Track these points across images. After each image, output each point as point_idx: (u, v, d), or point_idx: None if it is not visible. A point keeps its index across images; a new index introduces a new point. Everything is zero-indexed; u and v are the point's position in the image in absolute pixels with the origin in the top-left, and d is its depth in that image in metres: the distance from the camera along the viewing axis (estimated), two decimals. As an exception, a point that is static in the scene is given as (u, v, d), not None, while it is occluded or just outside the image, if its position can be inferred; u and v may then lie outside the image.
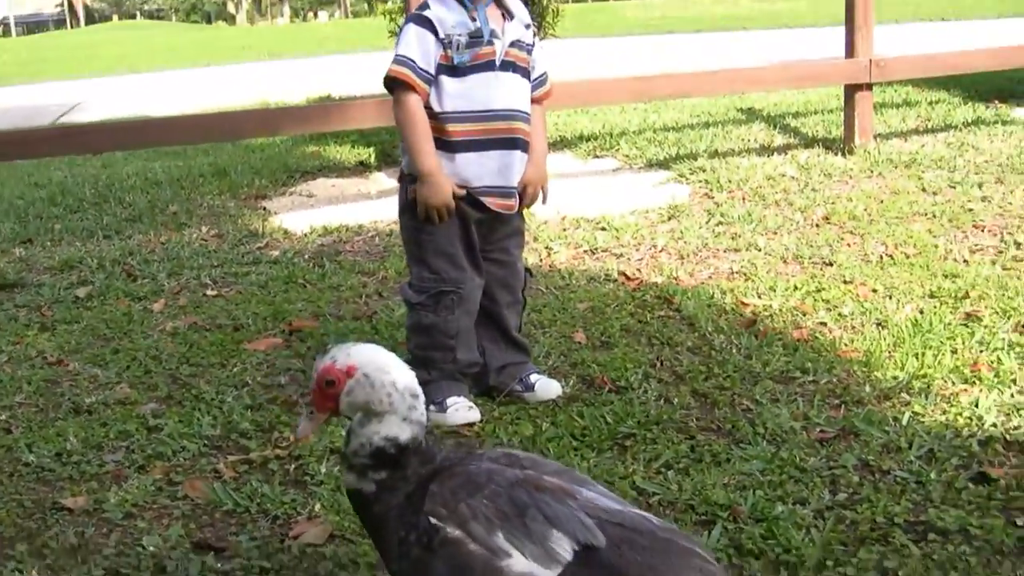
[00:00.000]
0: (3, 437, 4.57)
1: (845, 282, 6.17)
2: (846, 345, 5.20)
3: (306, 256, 7.35)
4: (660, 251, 7.00)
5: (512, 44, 4.62)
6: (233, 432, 4.50)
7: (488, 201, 4.59)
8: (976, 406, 4.41)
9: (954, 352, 4.98)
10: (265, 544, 3.63)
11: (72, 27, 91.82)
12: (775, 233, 7.23)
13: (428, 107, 4.54)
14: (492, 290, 4.76)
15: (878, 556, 3.40)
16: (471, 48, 4.53)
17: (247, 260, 7.33)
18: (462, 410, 4.54)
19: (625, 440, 4.30)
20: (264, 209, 9.02)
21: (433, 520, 2.66)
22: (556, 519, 2.64)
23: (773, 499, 3.77)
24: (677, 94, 10.28)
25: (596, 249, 7.12)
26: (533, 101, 4.75)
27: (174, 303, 6.44)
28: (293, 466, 4.19)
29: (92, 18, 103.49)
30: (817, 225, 7.38)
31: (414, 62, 4.50)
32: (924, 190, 8.08)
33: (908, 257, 6.51)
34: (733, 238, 7.13)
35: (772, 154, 9.50)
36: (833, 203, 7.83)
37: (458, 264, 4.61)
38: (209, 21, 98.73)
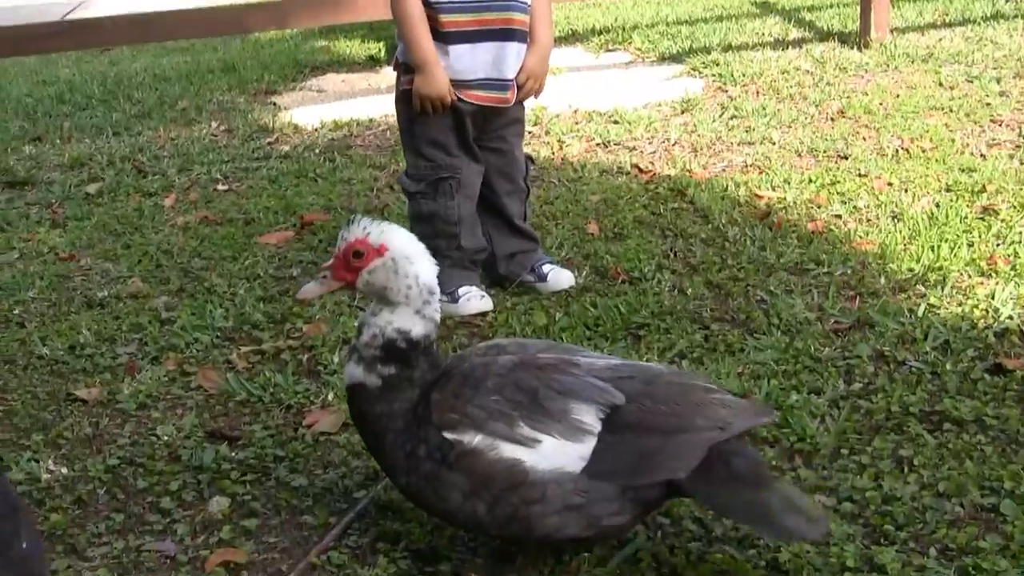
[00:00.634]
0: (17, 331, 4.58)
1: (860, 175, 6.11)
2: (861, 237, 5.16)
3: (317, 150, 7.29)
4: (673, 144, 6.93)
5: None
6: (245, 324, 4.49)
7: (481, 95, 4.52)
8: (992, 298, 4.38)
9: (970, 245, 4.94)
10: (279, 433, 3.63)
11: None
12: (789, 127, 7.15)
13: None
14: (491, 179, 4.72)
15: (893, 445, 3.40)
16: None
17: (257, 155, 7.28)
18: (474, 299, 4.53)
19: (639, 330, 4.28)
20: (274, 104, 8.94)
21: (448, 435, 2.65)
22: (570, 391, 2.63)
23: (787, 388, 3.76)
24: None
25: (609, 142, 7.05)
26: None
27: (185, 198, 6.41)
28: (306, 356, 4.19)
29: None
30: (832, 119, 7.29)
31: None
32: (941, 84, 7.97)
33: (924, 151, 6.44)
34: (747, 131, 7.05)
35: (787, 48, 9.36)
36: (848, 97, 7.73)
37: (451, 152, 4.57)
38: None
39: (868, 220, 5.40)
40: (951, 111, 7.25)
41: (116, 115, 8.75)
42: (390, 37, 10.41)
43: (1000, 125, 6.90)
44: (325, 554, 2.96)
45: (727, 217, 5.47)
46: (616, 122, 7.48)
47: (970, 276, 4.63)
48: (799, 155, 6.56)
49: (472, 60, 4.47)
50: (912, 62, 8.64)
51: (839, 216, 5.47)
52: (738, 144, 6.85)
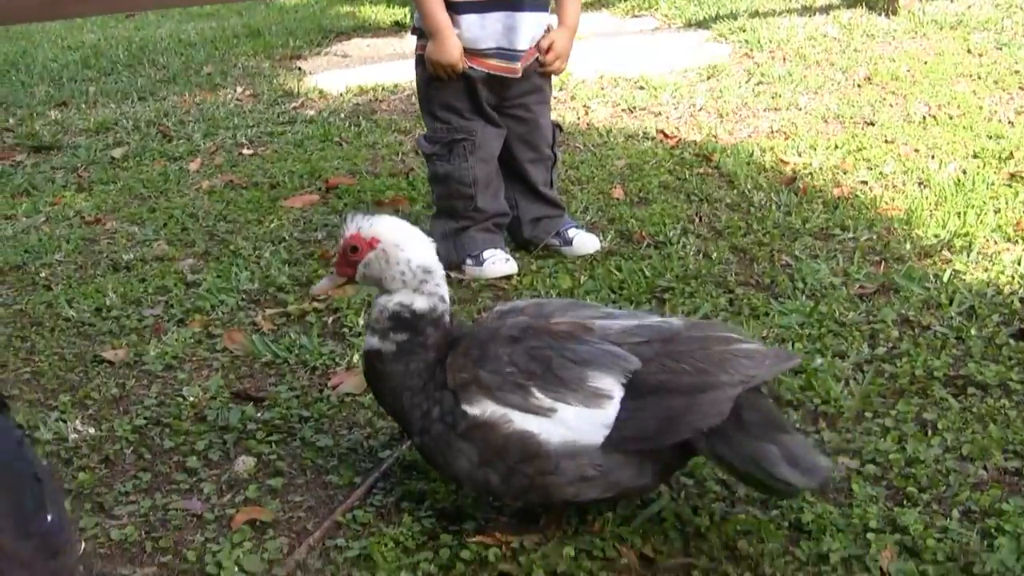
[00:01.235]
0: (44, 293, 4.60)
1: (887, 142, 6.08)
2: (887, 203, 5.14)
3: (342, 115, 7.29)
4: (699, 110, 6.90)
5: None
6: (271, 286, 4.51)
7: (491, 64, 4.52)
8: (1018, 264, 4.37)
9: (997, 211, 4.92)
10: (304, 394, 3.65)
11: None
12: (816, 93, 7.12)
13: None
14: (513, 146, 4.72)
15: (917, 408, 3.39)
16: None
17: (282, 119, 7.29)
18: (499, 263, 4.53)
19: (663, 293, 4.28)
20: (299, 69, 8.94)
21: (463, 406, 2.68)
22: (585, 360, 2.65)
23: (812, 352, 3.75)
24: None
25: (634, 107, 7.03)
26: None
27: (210, 162, 6.42)
28: (331, 319, 4.21)
29: None
30: (859, 85, 7.26)
31: None
32: (970, 51, 7.92)
33: (951, 118, 6.41)
34: (773, 97, 7.02)
35: (814, 14, 9.31)
36: (876, 64, 7.69)
37: (465, 116, 4.58)
38: None
39: (894, 186, 5.38)
40: (979, 78, 7.20)
41: (141, 80, 8.77)
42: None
43: (1029, 92, 6.87)
44: (350, 513, 2.98)
45: (752, 182, 5.45)
46: (642, 88, 7.46)
47: (996, 242, 4.61)
48: (825, 121, 6.53)
49: (482, 30, 4.46)
50: (940, 29, 8.58)
51: (865, 182, 5.45)
52: (764, 110, 6.82)
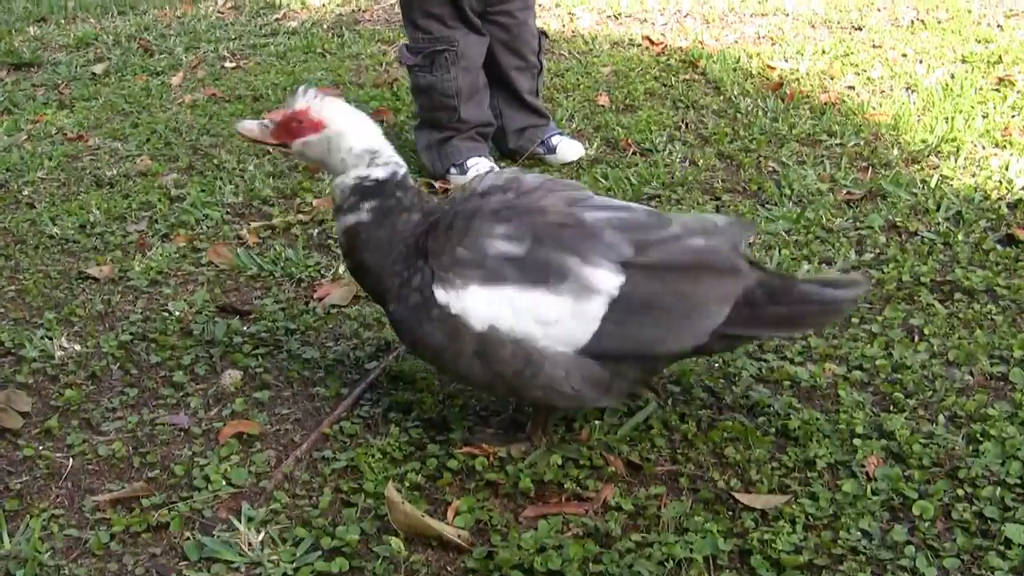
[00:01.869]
0: (27, 211, 4.57)
1: (874, 46, 6.04)
2: (874, 109, 5.11)
3: (324, 26, 7.22)
4: (685, 16, 6.84)
5: None
6: (255, 199, 4.48)
7: None
8: (1006, 170, 4.35)
9: (985, 116, 4.89)
10: (290, 306, 3.64)
11: None
12: (803, -3, 7.06)
13: None
14: (499, 54, 4.69)
15: (904, 314, 3.39)
16: None
17: (265, 32, 7.22)
18: (483, 170, 4.48)
19: (650, 201, 4.26)
20: (280, -20, 8.84)
21: (439, 290, 2.60)
22: (574, 248, 2.56)
23: (799, 258, 3.75)
24: None
25: (619, 14, 6.96)
26: None
27: (192, 76, 6.36)
28: (316, 231, 4.19)
29: None
30: (847, -11, 7.19)
31: None
32: (959, -48, 7.84)
33: (940, 22, 6.35)
34: (760, 2, 6.96)
35: (801, -83, 9.21)
36: (864, -34, 7.61)
37: (447, 24, 4.53)
38: None
39: (882, 91, 5.35)
40: (968, -20, 7.14)
41: (121, -7, 8.67)
42: (397, -90, 10.26)
43: (1018, -5, 6.80)
44: (337, 424, 2.98)
45: (739, 88, 5.41)
46: (627, -6, 7.39)
47: (984, 147, 4.59)
48: (813, 26, 6.48)
49: None
50: (929, -70, 8.48)
51: (852, 87, 5.42)
52: (751, 15, 6.76)
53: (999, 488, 2.60)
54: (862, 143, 4.71)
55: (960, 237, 3.83)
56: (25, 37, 7.56)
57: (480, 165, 4.51)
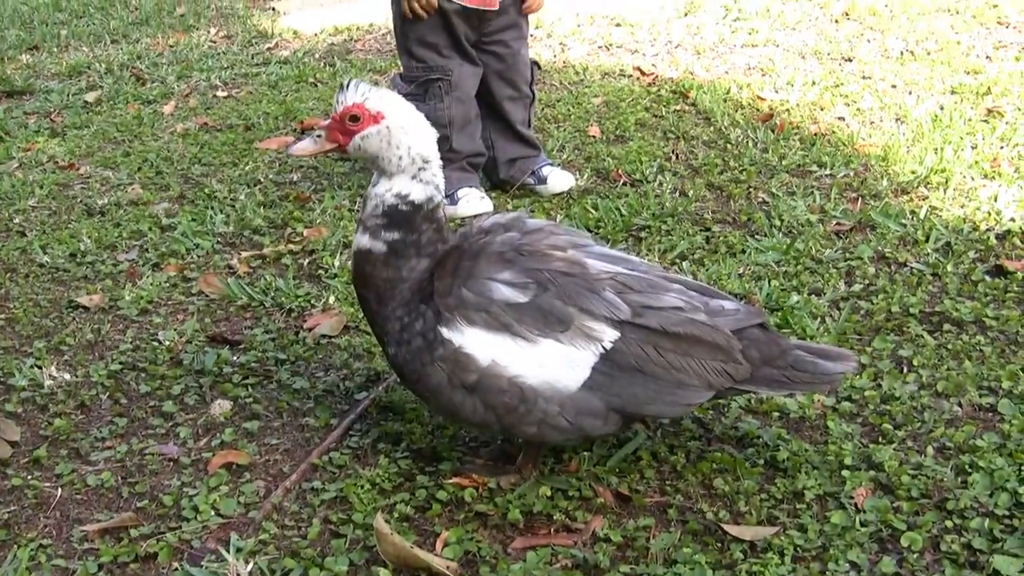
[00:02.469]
0: (18, 240, 4.57)
1: (864, 77, 6.07)
2: (864, 140, 5.13)
3: (316, 56, 7.24)
4: (676, 47, 6.87)
5: None
6: (246, 229, 4.49)
7: (466, 1, 4.48)
8: (995, 200, 4.36)
9: (974, 147, 4.91)
10: (280, 336, 3.64)
11: None
12: (793, 29, 7.09)
13: None
14: (491, 83, 4.69)
15: (893, 345, 3.40)
16: None
17: (257, 61, 7.24)
18: (473, 201, 4.51)
19: (640, 232, 4.27)
20: (273, 10, 8.87)
21: (443, 330, 2.63)
22: (576, 298, 2.61)
23: (788, 289, 3.75)
24: None
25: (611, 45, 6.99)
26: None
27: (184, 105, 6.37)
28: (307, 260, 4.19)
29: None
30: (837, 21, 7.23)
31: None
32: (948, -15, 7.89)
33: (929, 53, 6.39)
34: (750, 33, 6.99)
35: (792, -51, 9.26)
36: (853, -2, 7.66)
37: (442, 53, 4.54)
38: None
39: (871, 122, 5.37)
40: (958, 12, 7.18)
41: (114, 22, 8.68)
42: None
43: (1007, 27, 6.84)
44: (326, 455, 2.97)
45: (729, 119, 5.43)
46: (619, 25, 7.42)
47: (973, 178, 4.61)
48: (803, 57, 6.51)
49: None
50: (919, -38, 8.53)
51: (842, 118, 5.44)
52: (741, 46, 6.79)
53: (987, 519, 2.61)
54: (852, 174, 4.72)
55: (949, 268, 3.84)
56: (17, 65, 7.58)
57: (470, 196, 4.52)
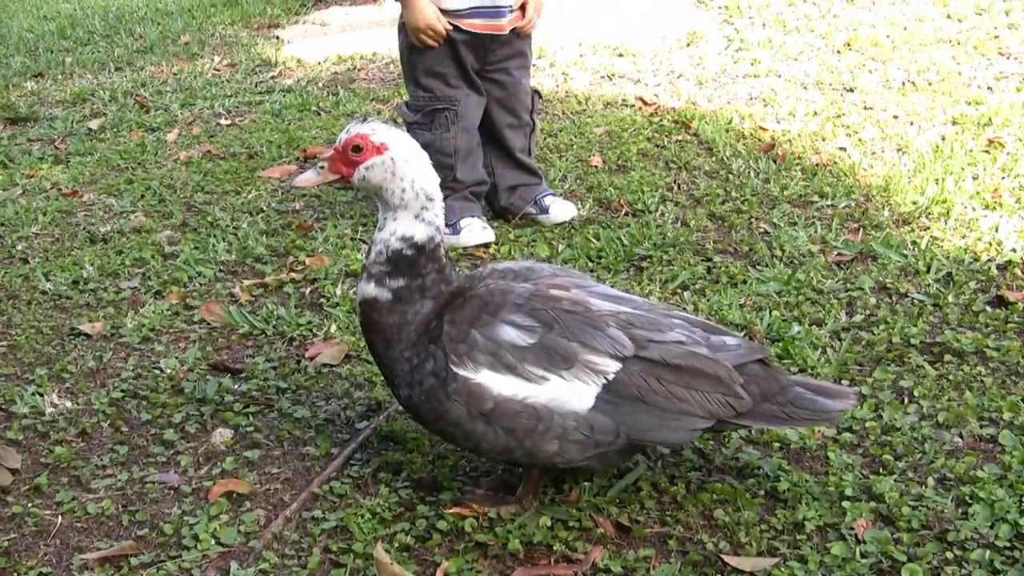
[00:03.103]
0: (21, 266, 4.57)
1: (866, 108, 6.08)
2: (865, 170, 5.14)
3: (320, 84, 7.27)
4: (678, 77, 6.89)
5: None
6: (248, 257, 4.50)
7: (474, 24, 4.49)
8: (996, 231, 4.37)
9: (975, 178, 4.92)
10: (281, 365, 3.65)
11: None
12: (795, 59, 7.11)
13: None
14: (493, 111, 4.70)
15: (894, 375, 3.40)
16: None
17: (260, 89, 7.26)
18: (475, 231, 4.52)
19: (642, 261, 4.28)
20: (277, 38, 8.90)
21: (454, 368, 2.66)
22: (581, 336, 2.65)
23: (789, 319, 3.76)
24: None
25: (613, 75, 7.01)
26: None
27: (188, 133, 6.39)
28: (308, 289, 4.20)
29: None
30: (838, 51, 7.25)
31: None
32: (949, 17, 7.91)
33: (930, 84, 6.40)
34: (752, 64, 7.01)
35: (794, -20, 9.30)
36: (855, 29, 7.68)
37: (450, 83, 4.55)
38: None
39: (873, 153, 5.39)
40: (959, 43, 7.20)
41: (118, 50, 8.72)
42: (394, -30, 10.34)
43: (1008, 58, 6.86)
44: (327, 484, 2.98)
45: (731, 149, 5.45)
46: (621, 55, 7.44)
47: (974, 209, 4.62)
48: (805, 88, 6.53)
49: None
50: (920, -7, 8.58)
51: (844, 149, 5.45)
52: (743, 77, 6.81)
53: (988, 551, 2.61)
54: (853, 204, 4.73)
55: (950, 299, 3.85)
56: (22, 92, 7.60)
57: (472, 226, 4.52)
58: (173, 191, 5.35)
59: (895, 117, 5.86)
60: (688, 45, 7.60)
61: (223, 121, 6.57)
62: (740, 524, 2.75)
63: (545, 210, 4.71)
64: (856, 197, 4.80)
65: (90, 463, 3.14)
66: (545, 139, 5.71)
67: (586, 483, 2.92)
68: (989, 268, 4.06)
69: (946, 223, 4.48)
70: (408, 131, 4.56)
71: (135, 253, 4.60)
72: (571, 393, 2.64)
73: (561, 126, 5.99)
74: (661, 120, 5.99)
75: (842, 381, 3.38)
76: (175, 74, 7.78)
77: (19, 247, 4.78)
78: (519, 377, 2.65)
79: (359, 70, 7.62)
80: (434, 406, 2.72)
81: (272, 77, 7.56)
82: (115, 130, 6.54)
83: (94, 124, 6.66)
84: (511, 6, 4.52)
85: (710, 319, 3.73)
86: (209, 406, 3.41)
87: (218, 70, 7.88)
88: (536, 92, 4.85)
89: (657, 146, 5.59)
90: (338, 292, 4.11)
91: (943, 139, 5.45)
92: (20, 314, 4.12)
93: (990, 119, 5.66)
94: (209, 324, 3.98)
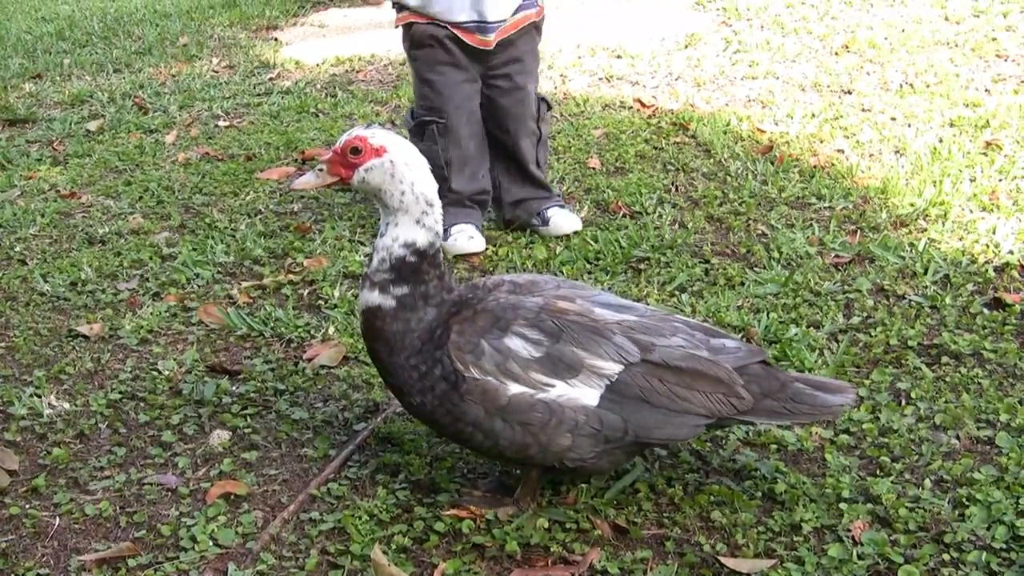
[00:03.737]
0: (19, 268, 4.57)
1: (864, 110, 6.09)
2: (863, 172, 5.15)
3: (318, 86, 7.27)
4: (676, 79, 6.89)
5: None
6: (247, 259, 4.50)
7: (464, 37, 4.46)
8: (993, 233, 4.38)
9: (973, 180, 4.93)
10: (279, 367, 3.65)
11: None
12: (793, 61, 7.11)
13: None
14: (501, 119, 4.64)
15: (891, 377, 3.41)
16: None
17: (259, 91, 7.27)
18: (462, 239, 4.48)
19: (639, 264, 4.28)
20: (275, 40, 8.90)
21: (459, 366, 2.67)
22: (587, 344, 2.67)
23: (787, 322, 3.76)
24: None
25: (612, 77, 7.02)
26: None
27: (186, 134, 6.40)
28: (307, 291, 4.20)
29: None
30: (836, 53, 7.25)
31: None
32: (947, 19, 7.91)
33: (928, 86, 6.41)
34: (751, 66, 7.01)
35: (792, -18, 9.30)
36: (853, 31, 7.68)
37: (440, 90, 4.50)
38: None
39: (871, 155, 5.39)
40: (957, 45, 7.20)
41: (116, 52, 8.72)
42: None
43: (1006, 60, 6.86)
44: (325, 486, 2.98)
45: (729, 151, 5.45)
46: (619, 57, 7.44)
47: (972, 211, 4.62)
48: (803, 89, 6.53)
49: (450, 1, 4.41)
50: (918, -5, 8.58)
51: (841, 151, 5.46)
52: (741, 78, 6.82)
53: (985, 553, 2.61)
54: (851, 206, 4.74)
55: (947, 301, 3.85)
56: (20, 93, 7.60)
57: (462, 232, 4.47)
58: (171, 193, 5.35)
59: (893, 119, 5.86)
60: (686, 47, 7.61)
61: (221, 123, 6.57)
62: (737, 526, 2.76)
63: (546, 222, 4.64)
64: (854, 199, 4.81)
65: (88, 464, 3.15)
66: (543, 141, 5.72)
67: (583, 485, 2.92)
68: (986, 270, 4.06)
69: (943, 225, 4.48)
70: (409, 136, 4.59)
71: (133, 255, 4.60)
72: (577, 392, 2.67)
73: (559, 128, 5.99)
74: (659, 122, 5.99)
75: (839, 383, 3.38)
76: (173, 76, 7.78)
77: (17, 248, 4.78)
78: (524, 385, 2.67)
79: (357, 72, 7.62)
80: (449, 409, 2.72)
81: (270, 79, 7.56)
82: (113, 132, 6.54)
83: (92, 126, 6.66)
84: (501, 21, 4.47)
85: (708, 321, 3.74)
86: (207, 408, 3.41)
87: (216, 72, 7.88)
88: (543, 101, 4.74)
89: (655, 148, 5.59)
90: (336, 294, 4.11)
91: (941, 141, 5.45)
92: (18, 315, 4.13)
93: (988, 121, 5.67)
94: (207, 326, 3.98)
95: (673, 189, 5.04)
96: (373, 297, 2.78)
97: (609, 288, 4.02)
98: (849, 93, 6.40)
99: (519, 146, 4.69)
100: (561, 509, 2.84)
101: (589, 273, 4.22)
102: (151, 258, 4.56)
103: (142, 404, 3.46)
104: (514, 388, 2.67)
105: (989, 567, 2.57)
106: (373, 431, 3.22)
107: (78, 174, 5.76)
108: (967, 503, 2.79)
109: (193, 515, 2.89)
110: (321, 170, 2.81)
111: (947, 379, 3.40)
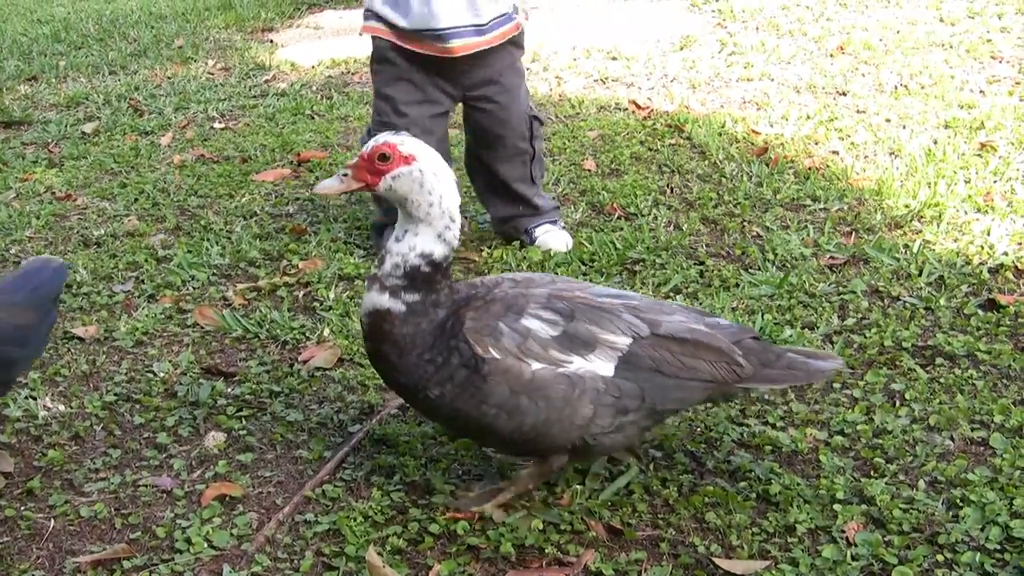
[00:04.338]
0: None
1: (859, 112, 6.09)
2: (858, 174, 5.15)
3: (314, 88, 7.27)
4: (672, 81, 6.90)
5: None
6: (242, 261, 4.50)
7: (422, 50, 4.25)
8: (988, 235, 4.38)
9: (967, 181, 4.93)
10: (274, 369, 3.65)
11: None
12: (788, 63, 7.12)
13: None
14: (483, 139, 4.50)
15: (885, 379, 3.41)
16: None
17: (254, 93, 7.26)
18: None
19: (634, 265, 4.29)
20: (271, 42, 8.90)
21: (479, 349, 2.67)
22: (599, 322, 2.71)
23: (782, 323, 3.77)
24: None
25: (607, 78, 7.02)
26: None
27: (181, 136, 6.39)
28: (302, 293, 4.20)
29: None
30: (831, 55, 7.25)
31: None
32: (942, 20, 7.92)
33: (923, 88, 6.41)
34: (746, 68, 7.02)
35: (787, -16, 9.31)
36: (848, 33, 7.69)
37: (399, 109, 4.32)
38: None
39: (866, 156, 5.40)
40: (951, 47, 7.21)
41: (112, 54, 8.71)
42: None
43: (1000, 62, 6.87)
44: (320, 487, 2.98)
45: (724, 153, 5.46)
46: (615, 58, 7.45)
47: (966, 212, 4.63)
48: (798, 91, 6.54)
49: (445, 3, 4.17)
50: (913, -3, 8.59)
51: (836, 152, 5.46)
52: (737, 80, 6.82)
53: (979, 554, 2.62)
54: (846, 208, 4.74)
55: (942, 302, 3.86)
56: (16, 95, 7.60)
57: None
58: (167, 195, 5.35)
59: (888, 121, 5.87)
60: (681, 49, 7.61)
61: (217, 125, 6.56)
62: (732, 527, 2.76)
63: (533, 241, 4.54)
64: (848, 201, 4.81)
65: (83, 466, 3.15)
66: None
67: (578, 486, 2.93)
68: (981, 271, 4.07)
69: (938, 226, 4.49)
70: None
71: (128, 257, 4.60)
72: (594, 366, 2.72)
73: (554, 130, 5.99)
74: (654, 124, 5.99)
75: (834, 384, 3.39)
76: (169, 78, 7.78)
77: (13, 250, 4.78)
78: (544, 362, 2.70)
79: (353, 74, 7.62)
80: (473, 393, 2.71)
81: (266, 81, 7.56)
82: (109, 134, 6.54)
83: (88, 128, 6.65)
84: (468, 25, 4.22)
85: (702, 322, 3.75)
86: (202, 410, 3.41)
87: (212, 74, 7.88)
88: (535, 118, 4.55)
89: (650, 150, 5.59)
90: (331, 296, 4.12)
91: (935, 143, 5.46)
92: (13, 318, 4.12)
93: (982, 123, 5.67)
94: (202, 328, 3.98)
95: (668, 191, 5.04)
96: (383, 300, 2.75)
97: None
98: (844, 95, 6.41)
99: (502, 168, 4.52)
100: (556, 510, 2.84)
101: (584, 275, 4.22)
102: (146, 260, 4.56)
103: (137, 406, 3.46)
104: (536, 365, 2.69)
105: (983, 568, 2.58)
106: (368, 433, 3.23)
107: (74, 176, 5.76)
108: (961, 504, 2.80)
109: (188, 517, 2.89)
110: (346, 175, 2.78)
111: (941, 380, 3.40)
